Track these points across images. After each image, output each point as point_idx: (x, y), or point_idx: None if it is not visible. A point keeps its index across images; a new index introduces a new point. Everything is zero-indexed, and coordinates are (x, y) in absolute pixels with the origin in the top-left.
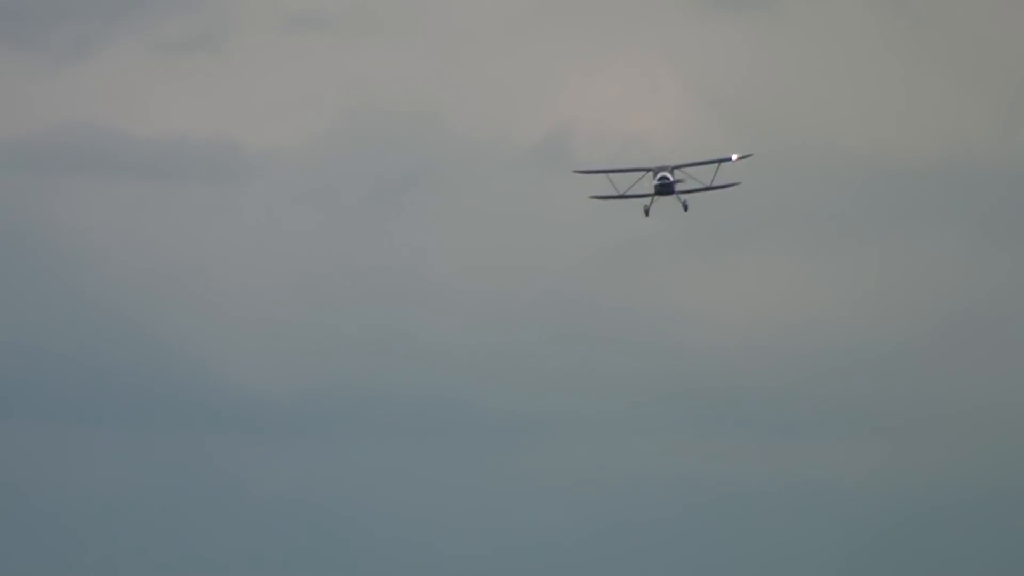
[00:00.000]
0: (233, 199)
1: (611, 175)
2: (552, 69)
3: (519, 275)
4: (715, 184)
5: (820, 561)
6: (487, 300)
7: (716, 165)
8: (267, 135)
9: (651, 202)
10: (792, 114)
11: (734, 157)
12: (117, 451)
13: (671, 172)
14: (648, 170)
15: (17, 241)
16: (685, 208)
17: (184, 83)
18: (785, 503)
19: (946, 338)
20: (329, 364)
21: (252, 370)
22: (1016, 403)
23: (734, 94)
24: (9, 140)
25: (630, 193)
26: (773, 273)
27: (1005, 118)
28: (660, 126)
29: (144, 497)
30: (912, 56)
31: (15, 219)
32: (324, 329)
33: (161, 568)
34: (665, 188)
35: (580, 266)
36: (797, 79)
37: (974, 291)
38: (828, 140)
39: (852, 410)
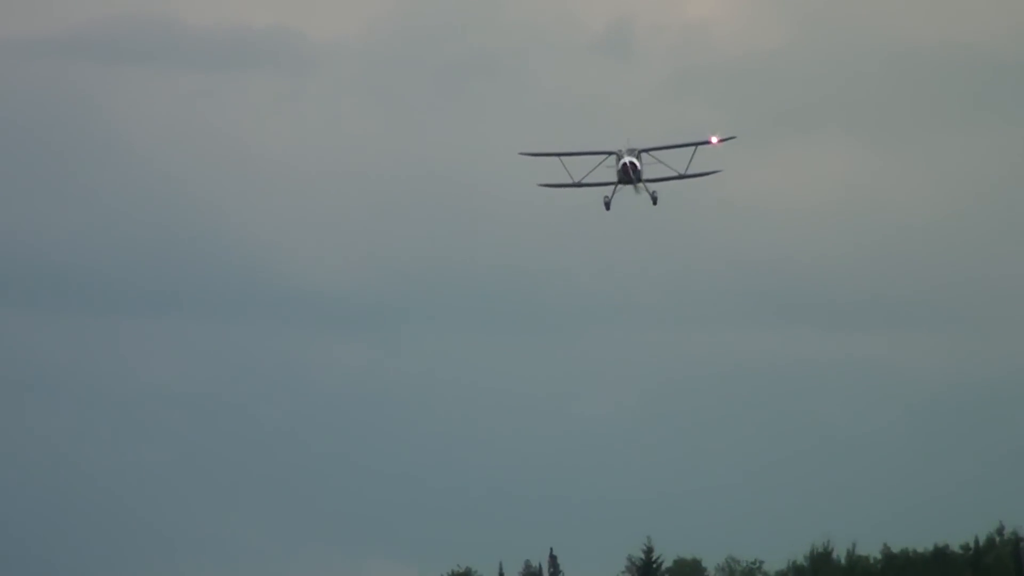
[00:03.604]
0: (295, 89)
1: (564, 158)
2: None
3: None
4: (691, 172)
5: (871, 447)
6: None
7: (693, 148)
8: (328, 25)
9: (613, 192)
10: (850, 6)
11: (714, 140)
12: (178, 343)
13: (638, 156)
14: (610, 153)
15: (75, 131)
16: (654, 201)
17: None
18: (834, 387)
19: (996, 226)
20: (393, 255)
21: (315, 261)
22: None
23: None
24: (69, 30)
25: (587, 181)
26: (824, 159)
27: None
28: (719, 16)
29: (215, 387)
30: None
31: (74, 109)
32: (387, 220)
33: (223, 457)
34: (629, 176)
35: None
36: None
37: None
38: (884, 33)
39: (901, 298)
